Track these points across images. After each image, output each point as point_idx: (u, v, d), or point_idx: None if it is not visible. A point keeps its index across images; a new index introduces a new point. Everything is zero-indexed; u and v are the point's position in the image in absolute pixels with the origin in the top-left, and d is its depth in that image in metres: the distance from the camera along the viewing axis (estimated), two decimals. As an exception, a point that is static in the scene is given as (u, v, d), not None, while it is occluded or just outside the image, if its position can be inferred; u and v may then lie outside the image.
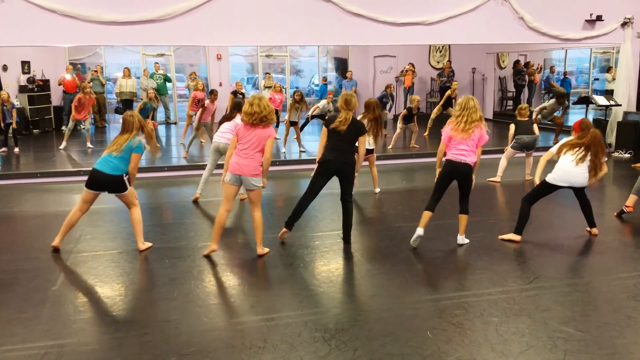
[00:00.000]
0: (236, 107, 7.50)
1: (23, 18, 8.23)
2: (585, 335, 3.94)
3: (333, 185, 6.01)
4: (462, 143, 5.53)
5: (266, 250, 5.60)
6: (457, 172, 5.59)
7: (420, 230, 5.69)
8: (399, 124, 11.79)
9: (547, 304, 4.43)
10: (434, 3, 9.80)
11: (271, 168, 9.98)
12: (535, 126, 9.05)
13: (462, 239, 5.83)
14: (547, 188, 5.96)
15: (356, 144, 5.82)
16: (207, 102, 11.35)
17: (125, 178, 5.54)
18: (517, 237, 5.96)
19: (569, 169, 5.83)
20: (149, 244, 5.84)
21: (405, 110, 11.92)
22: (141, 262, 5.51)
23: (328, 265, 5.45)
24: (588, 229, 6.24)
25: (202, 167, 9.76)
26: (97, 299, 4.72)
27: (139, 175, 8.92)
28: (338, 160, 5.73)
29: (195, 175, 9.52)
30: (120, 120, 5.72)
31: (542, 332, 3.97)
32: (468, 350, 3.74)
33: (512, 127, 9.00)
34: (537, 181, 6.07)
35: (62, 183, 8.96)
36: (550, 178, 5.91)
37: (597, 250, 5.85)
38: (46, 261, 5.51)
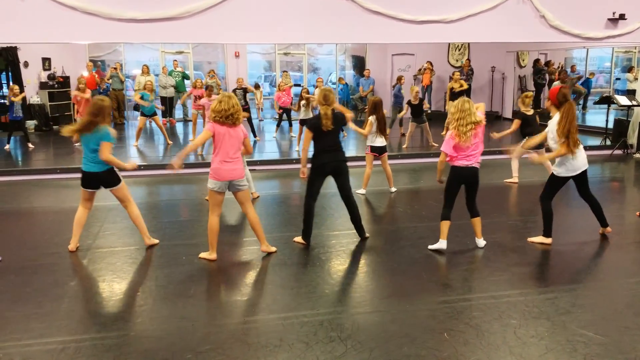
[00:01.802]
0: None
1: (44, 15, 8.31)
2: (605, 339, 3.87)
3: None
4: (466, 148, 5.41)
5: (273, 248, 5.59)
6: (467, 178, 5.52)
7: (443, 243, 5.63)
8: (410, 123, 11.80)
9: (566, 307, 4.37)
10: (454, 1, 9.70)
11: (284, 166, 10.10)
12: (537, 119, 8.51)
13: (481, 241, 5.76)
14: (558, 182, 5.80)
15: (343, 135, 5.83)
16: (203, 99, 11.38)
17: (115, 170, 5.55)
18: (548, 240, 5.82)
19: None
20: (155, 240, 5.87)
21: (406, 105, 11.87)
22: (158, 258, 5.53)
23: (344, 265, 5.43)
24: (601, 230, 6.11)
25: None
26: (115, 294, 4.74)
27: (155, 172, 9.00)
28: (333, 160, 5.76)
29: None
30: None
31: (562, 336, 3.91)
32: (486, 352, 3.70)
33: (517, 122, 8.43)
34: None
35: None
36: (558, 171, 5.73)
37: (618, 252, 5.75)
38: (65, 256, 5.55)
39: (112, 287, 4.87)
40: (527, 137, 8.11)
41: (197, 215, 7.23)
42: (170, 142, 12.39)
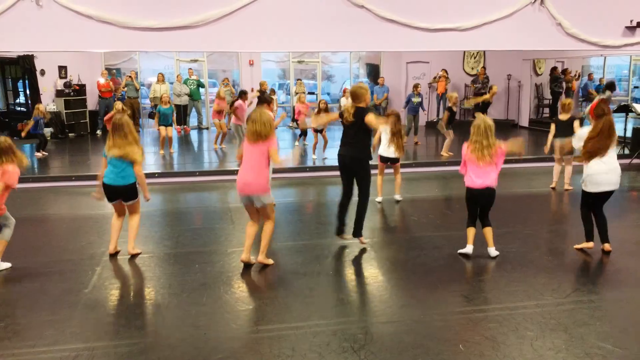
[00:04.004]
0: (262, 101, 7.66)
1: (60, 24, 8.40)
2: (624, 352, 3.79)
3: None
4: (478, 168, 5.47)
5: (269, 261, 5.51)
6: (477, 197, 5.60)
7: (469, 248, 5.73)
8: (445, 130, 11.51)
9: (584, 319, 4.29)
10: (470, 9, 9.65)
11: (299, 174, 10.07)
12: (577, 126, 8.23)
13: (492, 250, 5.71)
14: (586, 196, 5.82)
15: (366, 136, 5.82)
16: (238, 101, 11.47)
17: (137, 185, 5.64)
18: (589, 244, 5.86)
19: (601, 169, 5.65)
20: (138, 250, 5.88)
21: (446, 111, 11.62)
22: (171, 266, 5.53)
23: (357, 274, 5.38)
24: (601, 246, 5.92)
25: (232, 172, 9.82)
26: (128, 302, 4.74)
27: (171, 179, 9.04)
28: (346, 155, 5.82)
29: (226, 180, 9.56)
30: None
31: (579, 348, 3.83)
32: (502, 365, 3.64)
33: (552, 127, 8.66)
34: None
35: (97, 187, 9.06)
36: (584, 186, 5.78)
37: (637, 263, 5.64)
38: (79, 264, 5.57)
39: (125, 295, 4.87)
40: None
41: (211, 223, 7.23)
42: (169, 150, 12.28)
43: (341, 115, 5.92)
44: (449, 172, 10.42)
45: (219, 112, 12.86)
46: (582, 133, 5.87)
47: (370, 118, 5.65)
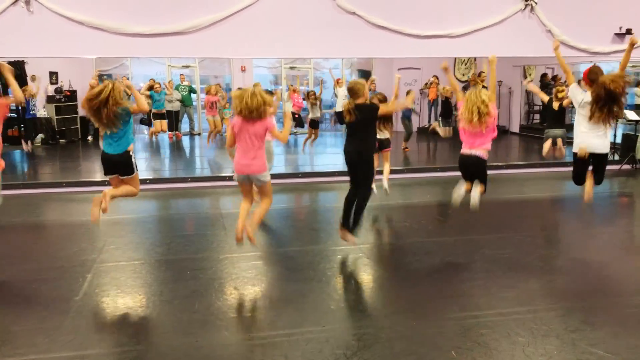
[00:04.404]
0: None
1: (51, 30, 8.37)
2: (615, 357, 3.80)
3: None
4: (472, 135, 5.68)
5: (255, 240, 5.42)
6: (468, 166, 5.82)
7: (462, 189, 5.95)
8: (441, 127, 11.53)
9: (575, 325, 4.30)
10: (460, 16, 9.71)
11: (291, 180, 10.06)
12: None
13: (475, 193, 5.88)
14: (575, 160, 6.06)
15: (371, 130, 5.83)
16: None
17: (132, 156, 5.59)
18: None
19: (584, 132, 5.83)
20: (109, 198, 5.52)
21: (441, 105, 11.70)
22: (163, 273, 5.50)
23: (350, 280, 5.38)
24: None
25: (224, 179, 9.81)
26: (119, 310, 4.71)
27: (163, 185, 9.01)
28: (352, 150, 5.78)
29: (218, 186, 9.56)
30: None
31: (571, 354, 3.85)
32: (494, 371, 3.64)
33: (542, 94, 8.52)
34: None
35: (87, 193, 9.04)
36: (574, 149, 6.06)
37: (628, 268, 5.68)
38: (69, 271, 5.53)
39: (117, 303, 4.84)
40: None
41: (203, 229, 7.21)
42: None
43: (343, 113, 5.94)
44: (441, 178, 10.45)
45: (211, 108, 12.80)
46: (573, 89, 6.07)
47: (385, 109, 5.91)
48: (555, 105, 8.68)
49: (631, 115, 11.58)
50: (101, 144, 5.66)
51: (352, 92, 5.79)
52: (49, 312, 4.55)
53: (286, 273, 5.47)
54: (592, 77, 5.81)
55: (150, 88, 13.83)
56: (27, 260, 5.86)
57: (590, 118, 5.75)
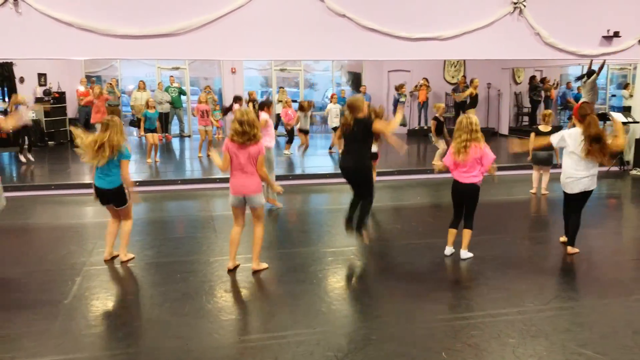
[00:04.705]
0: (262, 106, 7.92)
1: (40, 31, 8.32)
2: (604, 358, 3.83)
3: (344, 201, 5.95)
4: (462, 165, 5.62)
5: (264, 265, 5.55)
6: (460, 192, 5.73)
7: (448, 249, 5.91)
8: (434, 140, 11.31)
9: (565, 326, 4.33)
10: (450, 18, 9.76)
11: (283, 182, 10.05)
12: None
13: (465, 253, 5.85)
14: (565, 196, 6.03)
15: (367, 145, 5.91)
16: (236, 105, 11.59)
17: (124, 188, 5.64)
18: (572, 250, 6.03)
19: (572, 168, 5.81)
20: (131, 255, 5.88)
21: (433, 120, 11.31)
22: (153, 276, 5.48)
23: (341, 282, 5.38)
24: (568, 249, 6.08)
25: (215, 181, 9.79)
26: (109, 313, 4.68)
27: (153, 187, 8.98)
28: (349, 166, 5.94)
29: (208, 188, 9.54)
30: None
31: (560, 355, 3.87)
32: (484, 372, 3.66)
33: (532, 136, 8.32)
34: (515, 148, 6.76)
35: (76, 195, 8.99)
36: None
37: (616, 270, 5.72)
38: (58, 274, 5.49)
39: (106, 306, 4.81)
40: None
41: (193, 232, 7.19)
42: (155, 160, 12.13)
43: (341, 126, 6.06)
44: (431, 179, 10.48)
45: (202, 117, 12.73)
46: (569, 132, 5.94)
47: (379, 126, 5.82)
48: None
49: (619, 117, 11.65)
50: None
51: (352, 107, 5.87)
52: (37, 316, 4.51)
53: (277, 275, 5.46)
54: (582, 113, 5.88)
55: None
56: (15, 264, 5.81)
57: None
